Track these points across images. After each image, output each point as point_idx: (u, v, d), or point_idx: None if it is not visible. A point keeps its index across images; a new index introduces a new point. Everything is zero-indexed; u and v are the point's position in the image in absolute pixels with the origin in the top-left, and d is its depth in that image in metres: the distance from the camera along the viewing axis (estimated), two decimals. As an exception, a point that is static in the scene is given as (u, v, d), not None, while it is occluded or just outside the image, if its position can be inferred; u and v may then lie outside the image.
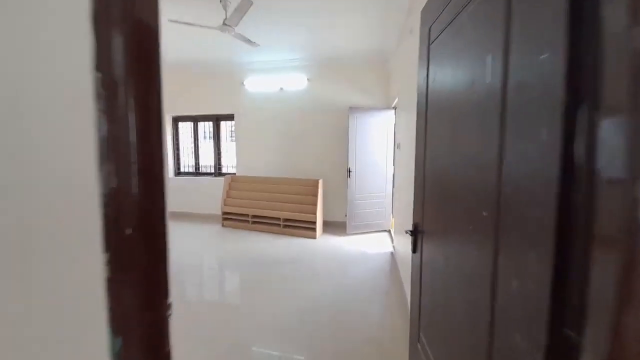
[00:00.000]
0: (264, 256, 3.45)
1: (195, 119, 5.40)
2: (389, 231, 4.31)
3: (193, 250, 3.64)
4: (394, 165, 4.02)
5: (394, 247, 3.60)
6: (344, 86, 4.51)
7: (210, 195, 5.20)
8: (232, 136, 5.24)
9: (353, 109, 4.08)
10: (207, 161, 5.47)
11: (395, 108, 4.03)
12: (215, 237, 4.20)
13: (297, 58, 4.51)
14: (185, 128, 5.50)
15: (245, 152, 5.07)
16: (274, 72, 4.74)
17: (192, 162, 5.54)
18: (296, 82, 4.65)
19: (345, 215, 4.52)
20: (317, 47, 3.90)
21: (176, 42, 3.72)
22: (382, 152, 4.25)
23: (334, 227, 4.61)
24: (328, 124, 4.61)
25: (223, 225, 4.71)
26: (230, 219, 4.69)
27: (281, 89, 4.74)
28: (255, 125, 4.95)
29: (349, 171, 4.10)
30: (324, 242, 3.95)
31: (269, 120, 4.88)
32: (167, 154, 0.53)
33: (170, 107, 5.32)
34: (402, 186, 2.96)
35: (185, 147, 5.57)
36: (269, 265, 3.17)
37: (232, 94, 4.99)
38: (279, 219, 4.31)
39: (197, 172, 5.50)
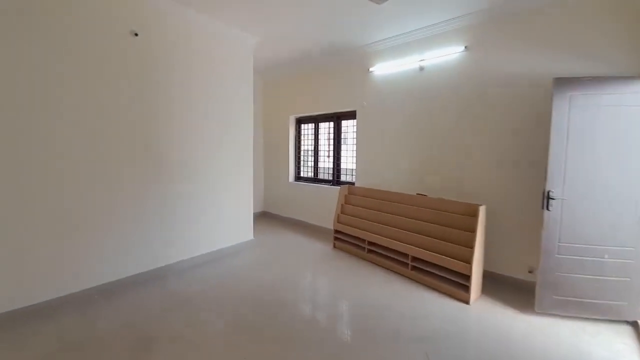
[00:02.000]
0: (375, 315, 2.23)
1: (316, 120, 4.83)
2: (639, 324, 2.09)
3: (289, 282, 2.89)
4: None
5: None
6: (538, 47, 2.59)
7: (326, 207, 4.47)
8: (354, 137, 4.29)
9: (565, 83, 2.16)
10: (328, 165, 4.79)
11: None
12: (321, 263, 3.34)
13: (447, 20, 2.98)
14: (308, 130, 5.04)
15: (367, 158, 4.00)
16: (409, 49, 3.40)
17: (316, 165, 5.01)
18: (444, 56, 3.12)
19: (530, 272, 2.63)
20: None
21: (295, 30, 3.11)
22: (632, 168, 2.09)
23: (505, 287, 2.77)
24: (501, 112, 2.81)
25: (334, 247, 3.83)
26: (343, 240, 3.74)
27: (421, 67, 3.33)
28: (381, 123, 3.78)
29: (548, 198, 2.22)
30: (486, 320, 2.28)
31: (401, 113, 3.57)
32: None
33: (292, 107, 4.99)
34: None
35: (305, 150, 5.13)
36: (381, 338, 1.94)
37: (354, 86, 4.02)
38: (406, 255, 2.97)
39: (315, 178, 4.93)
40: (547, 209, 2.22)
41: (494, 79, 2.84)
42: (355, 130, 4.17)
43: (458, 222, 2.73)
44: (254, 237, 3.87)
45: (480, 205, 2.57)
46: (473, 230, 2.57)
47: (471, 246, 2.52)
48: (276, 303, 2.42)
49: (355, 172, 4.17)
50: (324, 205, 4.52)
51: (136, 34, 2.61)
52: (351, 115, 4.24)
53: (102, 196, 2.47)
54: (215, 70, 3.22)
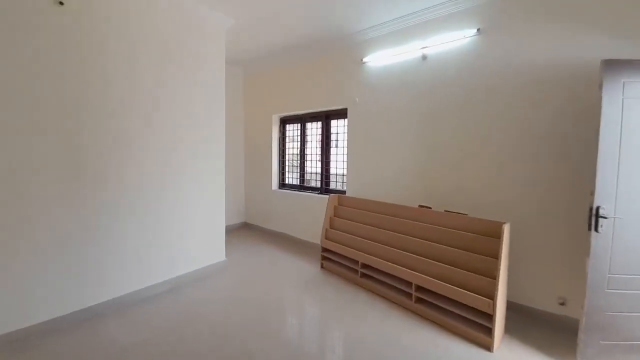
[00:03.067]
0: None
1: (303, 119, 4.26)
2: None
3: (262, 323, 2.29)
4: None
5: None
6: (573, 26, 2.10)
7: (313, 219, 3.89)
8: (344, 139, 3.75)
9: (617, 67, 1.66)
10: (316, 170, 4.22)
11: None
12: (305, 291, 2.75)
13: (461, -6, 2.49)
14: (294, 131, 4.47)
15: (360, 163, 3.45)
16: (409, 34, 2.89)
17: (302, 171, 4.43)
18: (451, 42, 2.62)
19: (561, 304, 2.13)
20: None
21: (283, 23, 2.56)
22: None
23: (532, 323, 2.23)
24: (525, 108, 2.31)
25: (322, 267, 3.25)
26: (332, 260, 3.16)
27: (424, 56, 2.82)
28: (376, 122, 3.24)
29: (597, 216, 1.70)
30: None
31: (399, 111, 3.04)
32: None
33: (276, 105, 4.41)
34: None
35: (290, 154, 4.55)
36: None
37: (345, 80, 3.49)
38: (408, 283, 2.41)
39: (301, 186, 4.35)
40: (596, 230, 1.70)
41: (514, 68, 2.34)
42: (346, 131, 3.62)
43: (474, 243, 2.19)
44: (226, 257, 3.25)
45: (504, 223, 2.04)
46: (495, 256, 2.03)
47: (493, 276, 1.98)
48: (244, 358, 1.81)
49: (347, 179, 3.61)
50: (310, 217, 3.94)
51: (61, 2, 2.01)
52: (342, 114, 3.70)
53: (3, 208, 1.83)
54: (173, 55, 2.63)
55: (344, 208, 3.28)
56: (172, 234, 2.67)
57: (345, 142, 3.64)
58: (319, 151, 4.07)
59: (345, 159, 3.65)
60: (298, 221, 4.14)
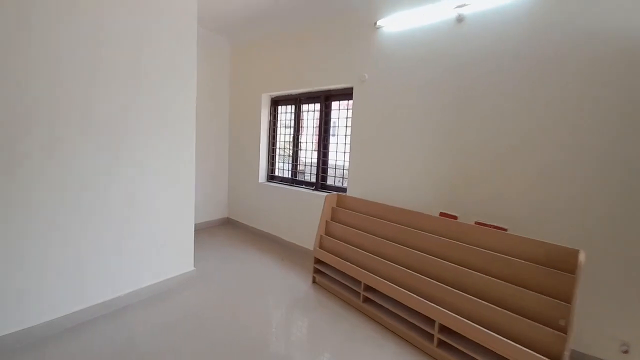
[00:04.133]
0: None
1: (298, 100, 3.57)
2: None
3: (222, 355, 1.67)
4: None
5: None
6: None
7: (305, 219, 3.27)
8: (347, 125, 3.08)
9: None
10: (311, 160, 3.56)
11: None
12: (291, 318, 2.14)
13: None
14: (287, 114, 3.77)
15: (366, 156, 2.80)
16: (446, -13, 2.19)
17: (295, 162, 3.77)
18: (504, -3, 1.94)
19: (625, 352, 1.54)
20: None
21: None
22: None
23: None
24: (606, 90, 1.66)
25: (314, 282, 2.64)
26: (327, 274, 2.55)
27: (459, 17, 2.14)
28: (389, 105, 2.58)
29: None
30: None
31: (423, 91, 2.37)
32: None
33: (266, 82, 3.70)
34: None
35: (281, 141, 3.87)
36: None
37: (352, 51, 2.79)
38: (429, 320, 1.81)
39: (293, 179, 3.70)
40: None
41: (597, 34, 1.68)
42: (350, 115, 2.95)
43: (524, 273, 1.59)
44: (194, 266, 2.61)
45: (578, 250, 1.43)
46: (560, 296, 1.43)
47: (559, 327, 1.38)
48: None
49: (348, 175, 2.97)
50: (303, 217, 3.31)
51: None
52: (345, 94, 3.02)
53: None
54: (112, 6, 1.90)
55: (344, 211, 2.65)
56: (115, 240, 2.01)
57: (349, 129, 2.98)
58: (315, 139, 3.40)
59: (348, 150, 2.99)
60: (288, 221, 3.51)
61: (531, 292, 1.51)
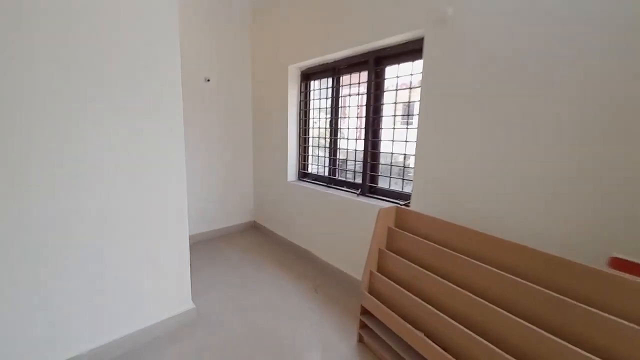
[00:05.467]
0: None
1: (336, 70, 2.59)
2: None
3: None
4: None
5: None
6: None
7: (348, 235, 2.37)
8: (411, 99, 2.03)
9: None
10: (355, 157, 2.59)
11: None
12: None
13: None
14: (322, 91, 2.83)
15: (445, 147, 1.73)
16: None
17: (333, 156, 2.85)
18: None
19: None
20: None
21: None
22: None
23: None
24: None
25: (360, 341, 1.76)
26: (379, 336, 1.62)
27: None
28: (497, 61, 1.46)
29: None
30: None
31: (562, 43, 1.22)
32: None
33: (294, 50, 2.78)
34: None
35: (315, 128, 2.96)
36: None
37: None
38: None
39: (331, 179, 2.78)
40: None
41: None
42: (418, 84, 1.89)
43: None
44: (194, 302, 1.90)
45: None
46: None
47: None
48: None
49: (414, 175, 1.94)
50: (343, 231, 2.41)
51: None
52: (408, 53, 1.95)
53: None
54: None
55: (409, 236, 1.65)
56: (80, 277, 1.35)
57: (417, 107, 1.93)
58: (362, 124, 2.41)
59: (415, 139, 1.95)
60: (323, 234, 2.65)
61: None
